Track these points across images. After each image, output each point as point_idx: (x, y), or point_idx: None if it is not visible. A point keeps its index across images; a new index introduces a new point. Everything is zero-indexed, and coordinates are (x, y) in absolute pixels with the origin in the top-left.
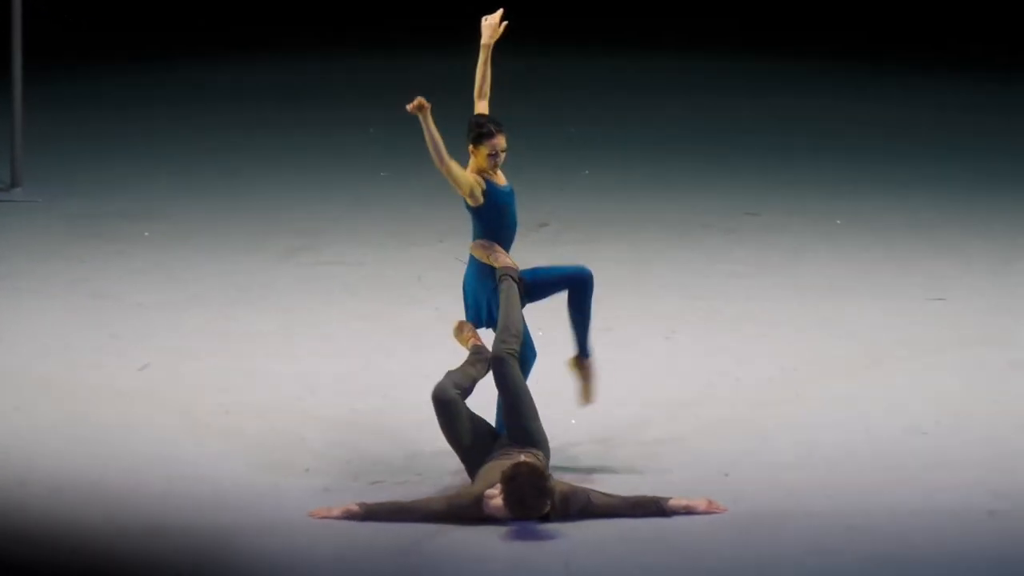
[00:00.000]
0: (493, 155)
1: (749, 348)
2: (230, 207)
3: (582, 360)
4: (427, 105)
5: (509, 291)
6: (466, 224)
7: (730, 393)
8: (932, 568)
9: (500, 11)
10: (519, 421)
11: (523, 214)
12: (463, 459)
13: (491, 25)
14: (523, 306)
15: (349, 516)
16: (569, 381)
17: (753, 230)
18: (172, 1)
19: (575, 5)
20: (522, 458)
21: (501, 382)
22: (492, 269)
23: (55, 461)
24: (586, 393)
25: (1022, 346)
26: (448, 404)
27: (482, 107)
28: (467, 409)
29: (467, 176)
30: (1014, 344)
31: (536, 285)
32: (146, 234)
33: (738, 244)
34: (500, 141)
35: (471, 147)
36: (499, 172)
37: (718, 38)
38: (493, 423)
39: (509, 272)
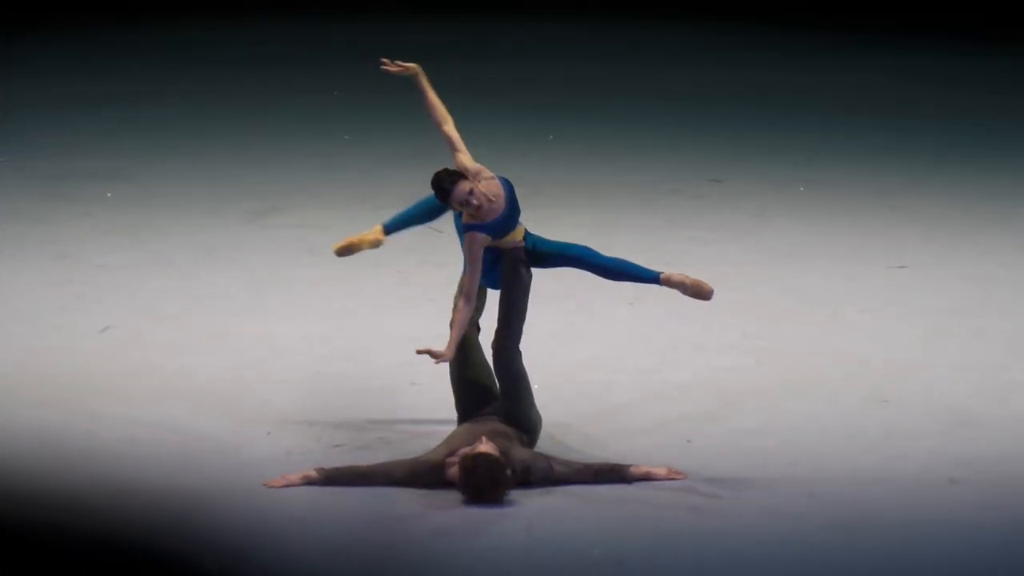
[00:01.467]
0: (464, 204)
1: (712, 314)
2: (195, 169)
3: (664, 282)
4: (413, 67)
5: (516, 281)
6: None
7: (693, 359)
8: (894, 535)
9: (394, 62)
10: (514, 408)
11: None
12: (455, 400)
13: (399, 66)
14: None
15: (308, 482)
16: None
17: (718, 197)
18: None
19: None
20: (484, 445)
21: (502, 372)
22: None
23: (18, 422)
24: (698, 289)
25: (984, 314)
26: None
27: (448, 130)
28: (477, 352)
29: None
30: (976, 312)
31: (539, 256)
32: (109, 195)
33: (703, 210)
34: (462, 189)
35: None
36: (494, 206)
37: (684, 6)
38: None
39: (516, 254)
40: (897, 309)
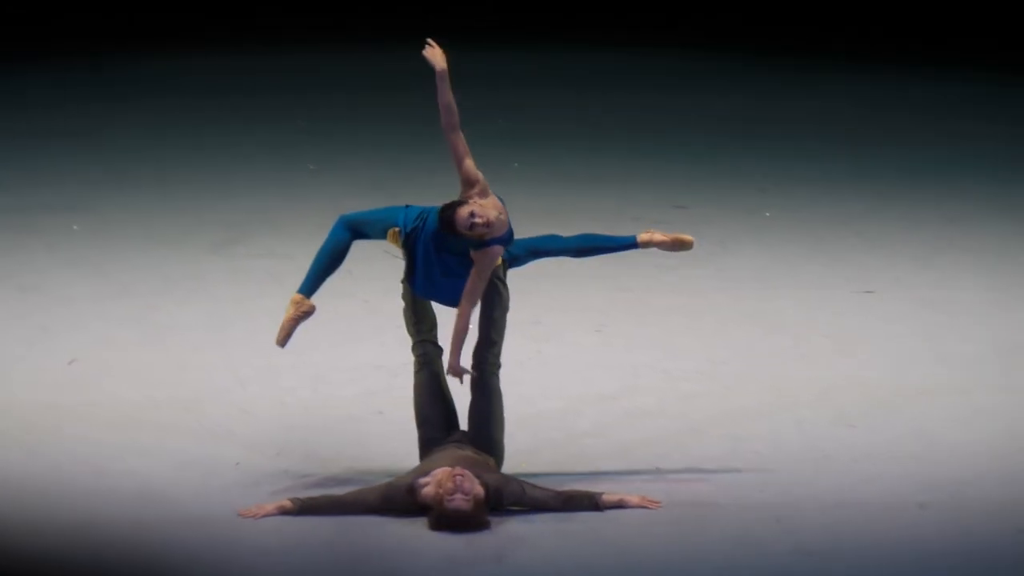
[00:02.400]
0: (468, 228)
1: (678, 340)
2: (158, 200)
3: (643, 244)
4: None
5: (497, 299)
6: None
7: (659, 385)
8: (863, 560)
9: (432, 43)
10: (486, 428)
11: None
12: (418, 426)
13: (437, 52)
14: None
15: (282, 512)
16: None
17: (682, 223)
18: None
19: None
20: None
21: (480, 388)
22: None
23: None
24: (678, 242)
25: (948, 338)
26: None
27: (458, 136)
28: (437, 379)
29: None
30: (941, 337)
31: (512, 260)
32: (75, 227)
33: None
34: (462, 215)
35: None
36: (500, 220)
37: (647, 33)
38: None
39: (496, 272)
40: (863, 334)
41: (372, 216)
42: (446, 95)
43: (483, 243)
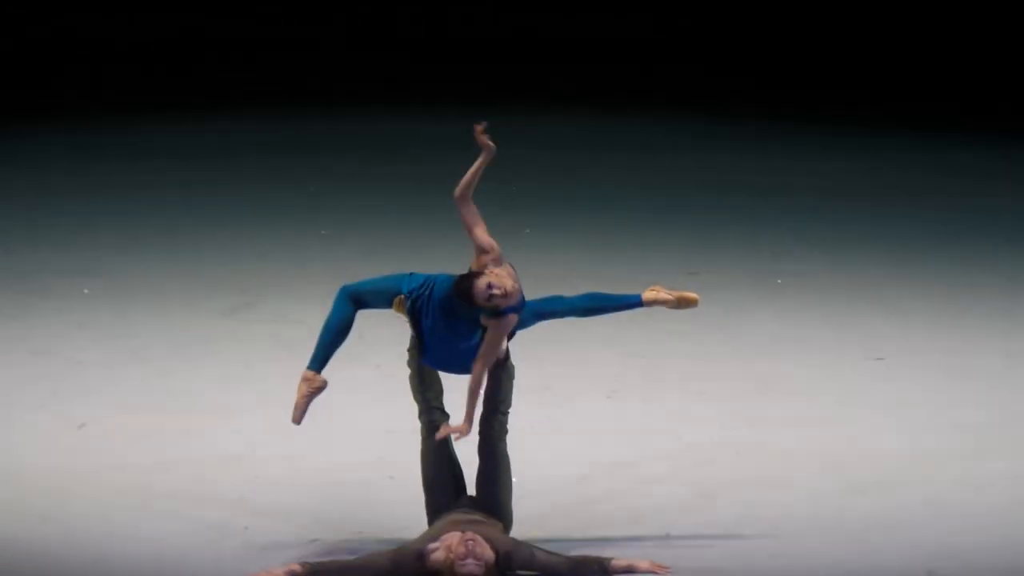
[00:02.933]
0: (487, 300)
1: (690, 406)
2: (169, 264)
3: (648, 303)
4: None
5: (506, 376)
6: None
7: (670, 452)
8: None
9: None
10: (494, 493)
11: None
12: (425, 493)
13: (490, 145)
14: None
15: None
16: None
17: (693, 288)
18: (107, 58)
19: (511, 60)
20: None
21: (487, 453)
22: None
23: None
24: (683, 300)
25: (961, 406)
26: (430, 427)
27: (467, 208)
28: (445, 445)
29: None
30: (953, 403)
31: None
32: (85, 291)
33: None
34: (480, 287)
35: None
36: (515, 288)
37: (659, 96)
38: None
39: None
40: (874, 401)
41: (375, 286)
42: (476, 175)
43: (498, 312)
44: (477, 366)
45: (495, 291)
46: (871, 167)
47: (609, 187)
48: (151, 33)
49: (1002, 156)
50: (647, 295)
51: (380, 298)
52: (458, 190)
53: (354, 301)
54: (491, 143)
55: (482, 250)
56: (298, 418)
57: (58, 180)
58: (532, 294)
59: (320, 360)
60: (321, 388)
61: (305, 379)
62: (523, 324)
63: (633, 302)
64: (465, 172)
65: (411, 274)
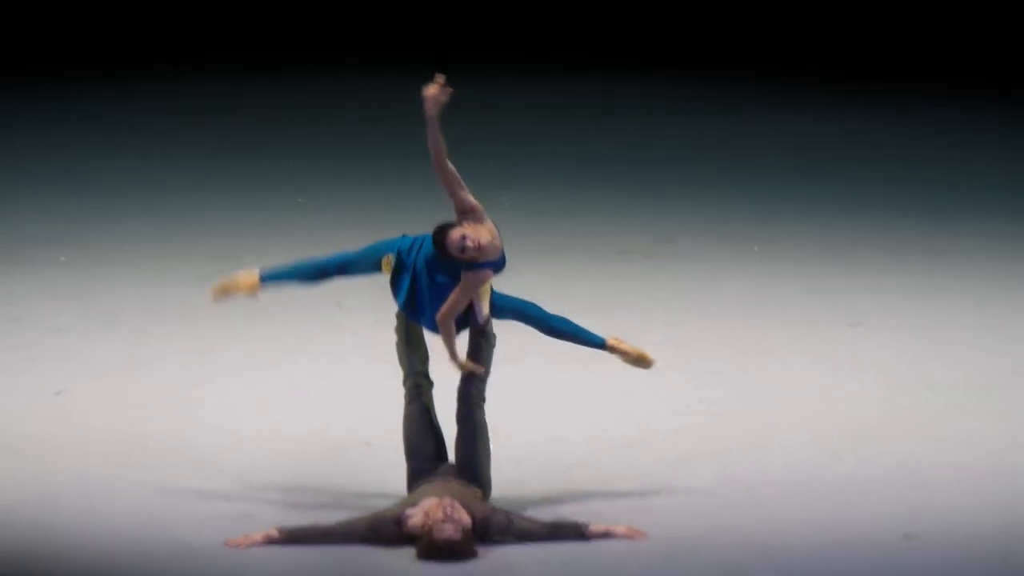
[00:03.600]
0: (460, 251)
1: (667, 374)
2: (145, 231)
3: (610, 349)
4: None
5: (486, 343)
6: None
7: (647, 417)
8: None
9: (440, 79)
10: (472, 460)
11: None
12: (407, 457)
13: (433, 96)
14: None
15: (269, 541)
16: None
17: (670, 256)
18: (86, 22)
19: (498, 29)
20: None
21: (464, 419)
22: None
23: None
24: (640, 359)
25: (937, 371)
26: (414, 391)
27: (446, 172)
28: (427, 411)
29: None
30: (929, 369)
31: (501, 310)
32: (62, 259)
33: (655, 270)
34: (454, 237)
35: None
36: (493, 245)
37: (634, 63)
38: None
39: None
40: (851, 366)
41: (364, 252)
42: (438, 131)
43: (474, 266)
44: (442, 313)
45: (468, 243)
46: (847, 133)
47: (582, 154)
48: None
49: (979, 121)
50: (611, 341)
51: (368, 263)
52: (433, 157)
53: (339, 271)
54: (439, 100)
55: (462, 212)
56: (216, 298)
57: (32, 147)
58: (509, 263)
59: (275, 280)
60: (252, 296)
61: (248, 283)
62: (501, 314)
63: (597, 343)
64: (430, 137)
65: (403, 236)
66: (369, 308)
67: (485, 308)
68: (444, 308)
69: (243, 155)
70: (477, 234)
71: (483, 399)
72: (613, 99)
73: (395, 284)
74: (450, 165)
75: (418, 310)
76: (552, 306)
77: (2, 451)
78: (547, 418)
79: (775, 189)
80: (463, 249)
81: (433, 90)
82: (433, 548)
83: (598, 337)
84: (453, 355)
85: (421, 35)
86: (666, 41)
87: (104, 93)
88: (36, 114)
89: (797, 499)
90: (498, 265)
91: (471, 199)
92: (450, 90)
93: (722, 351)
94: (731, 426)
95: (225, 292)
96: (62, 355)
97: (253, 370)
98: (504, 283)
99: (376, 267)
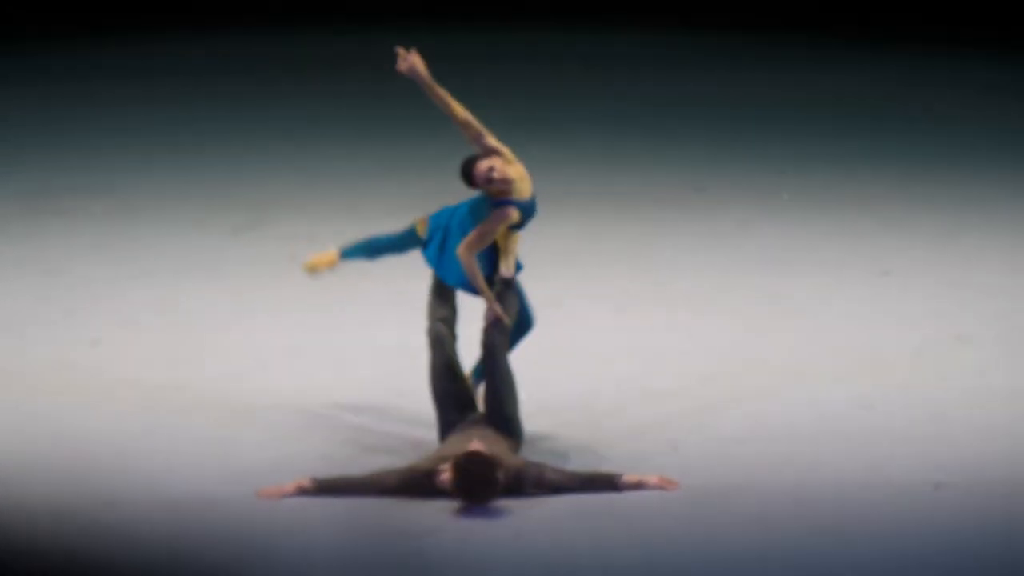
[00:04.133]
0: (486, 182)
1: (697, 322)
2: (180, 182)
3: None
4: (415, 63)
5: (511, 294)
6: (417, 200)
7: (677, 366)
8: (879, 540)
9: (401, 50)
10: (500, 409)
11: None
12: (437, 411)
13: (409, 67)
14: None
15: (301, 492)
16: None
17: (701, 204)
18: None
19: None
20: (476, 445)
21: (491, 370)
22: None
23: (7, 436)
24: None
25: (968, 320)
26: (436, 342)
27: (465, 126)
28: (450, 361)
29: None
30: (960, 318)
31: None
32: (98, 210)
33: (686, 219)
34: (481, 168)
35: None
36: (521, 185)
37: (665, 14)
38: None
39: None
40: (881, 315)
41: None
42: (436, 89)
43: (502, 202)
44: (462, 244)
45: (494, 174)
46: (877, 82)
47: (616, 105)
48: None
49: (1008, 71)
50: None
51: (407, 239)
52: (451, 114)
53: (401, 245)
54: (418, 68)
55: (490, 153)
56: (311, 272)
57: (69, 100)
58: (541, 211)
59: (350, 255)
60: (332, 268)
61: (329, 260)
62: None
63: None
64: (435, 101)
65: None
66: (400, 260)
67: (511, 266)
68: (467, 238)
69: (277, 107)
70: (504, 168)
71: (507, 347)
72: (644, 50)
73: (428, 244)
74: (468, 116)
75: (445, 267)
76: (584, 254)
77: (37, 401)
78: (579, 367)
79: (804, 138)
80: (490, 180)
81: (404, 63)
82: (462, 473)
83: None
84: (483, 289)
85: None
86: None
87: (140, 46)
88: (72, 67)
89: (827, 448)
90: (527, 210)
91: (496, 143)
92: (415, 51)
93: (752, 300)
94: (761, 375)
95: (312, 269)
96: (97, 306)
97: (287, 321)
98: (539, 235)
99: (414, 239)
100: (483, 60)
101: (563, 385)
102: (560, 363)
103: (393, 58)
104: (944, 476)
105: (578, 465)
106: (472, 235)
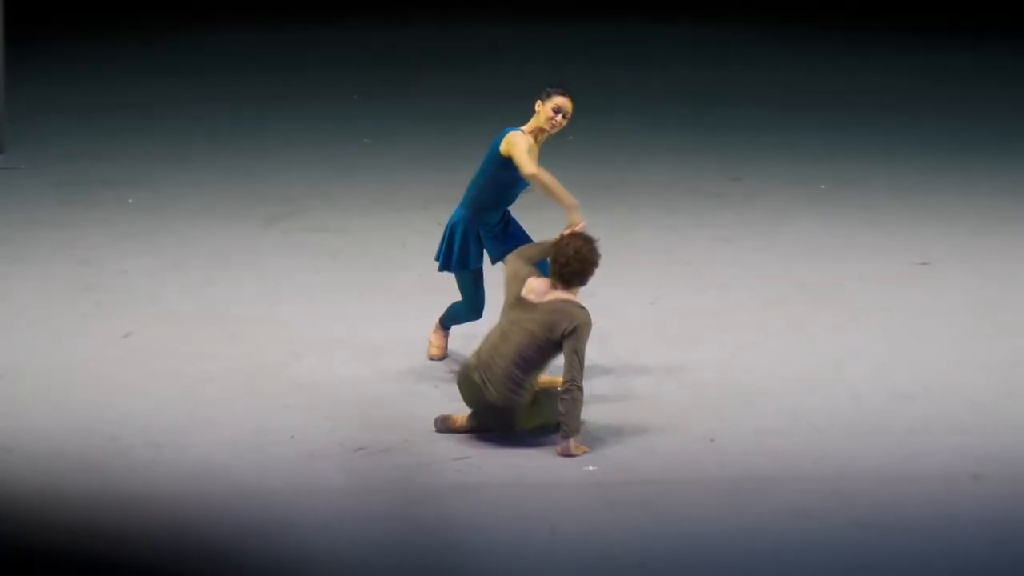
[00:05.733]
0: (555, 112)
1: (734, 313)
2: (213, 174)
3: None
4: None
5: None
6: (450, 190)
7: (715, 358)
8: (918, 532)
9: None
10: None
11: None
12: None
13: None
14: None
15: None
16: None
17: (738, 195)
18: None
19: None
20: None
21: None
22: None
23: (41, 429)
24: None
25: (1006, 311)
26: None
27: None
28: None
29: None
30: (998, 309)
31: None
32: (130, 200)
33: (723, 209)
34: (566, 104)
35: (539, 102)
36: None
37: (705, 6)
38: None
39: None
40: (920, 306)
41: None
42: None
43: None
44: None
45: (559, 116)
46: (915, 72)
47: (653, 96)
48: None
49: None
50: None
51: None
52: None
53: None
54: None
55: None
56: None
57: (104, 92)
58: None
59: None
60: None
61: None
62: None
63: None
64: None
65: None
66: (433, 252)
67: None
68: (524, 168)
69: (309, 98)
70: (565, 106)
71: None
72: (682, 41)
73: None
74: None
75: (473, 255)
76: (620, 244)
77: (70, 393)
78: (615, 358)
79: (842, 128)
80: (556, 114)
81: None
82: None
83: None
84: (563, 197)
85: None
86: None
87: (172, 37)
88: (105, 60)
89: (866, 438)
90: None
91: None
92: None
93: (789, 290)
94: (799, 366)
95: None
96: (130, 298)
97: (319, 313)
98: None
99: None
100: (517, 53)
101: (599, 376)
102: (595, 353)
103: (426, 49)
104: (983, 467)
105: (616, 456)
106: (517, 160)
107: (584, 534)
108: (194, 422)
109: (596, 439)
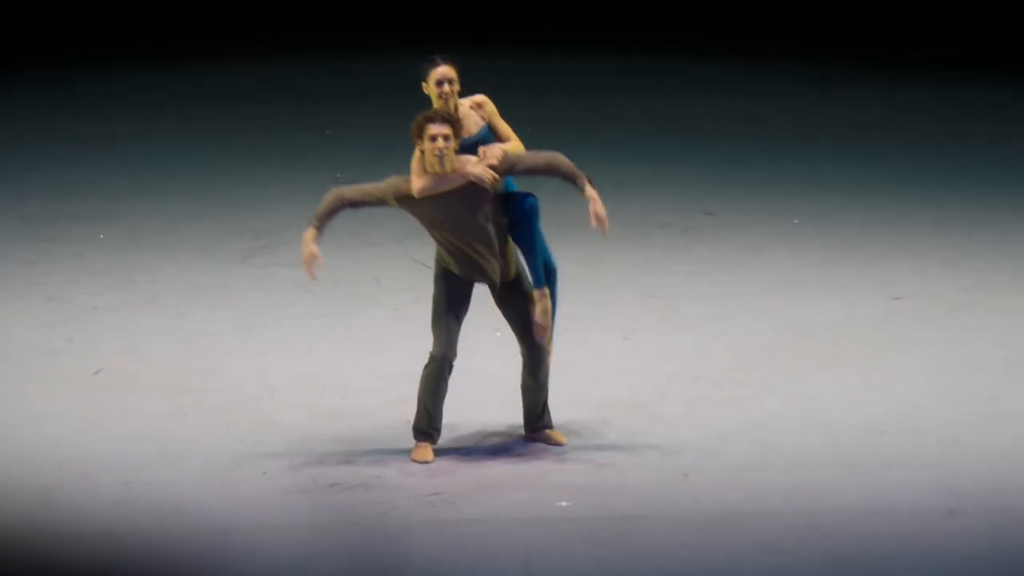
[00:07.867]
0: (439, 83)
1: (707, 347)
2: (185, 209)
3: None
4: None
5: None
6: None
7: (688, 393)
8: (892, 568)
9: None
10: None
11: None
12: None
13: (481, 174)
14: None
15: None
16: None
17: (710, 229)
18: (127, 5)
19: (529, 4)
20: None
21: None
22: None
23: (9, 465)
24: (541, 329)
25: (979, 344)
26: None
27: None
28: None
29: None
30: (971, 342)
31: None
32: (101, 236)
33: (696, 243)
34: (446, 71)
35: (423, 84)
36: (468, 121)
37: (673, 38)
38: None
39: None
40: (893, 340)
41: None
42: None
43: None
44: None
45: (444, 86)
46: (887, 107)
47: (625, 128)
48: None
49: (1017, 95)
50: (537, 293)
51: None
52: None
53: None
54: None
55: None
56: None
57: (73, 127)
58: (547, 231)
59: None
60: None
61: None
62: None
63: (537, 280)
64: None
65: None
66: (406, 287)
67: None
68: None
69: (281, 133)
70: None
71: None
72: (654, 73)
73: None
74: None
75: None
76: (592, 277)
77: (40, 429)
78: (588, 393)
79: (815, 162)
80: (440, 84)
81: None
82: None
83: (540, 279)
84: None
85: (454, 9)
86: (706, 21)
87: (143, 72)
88: (77, 95)
89: (839, 473)
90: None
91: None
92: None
93: (762, 325)
94: (773, 401)
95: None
96: (101, 334)
97: (292, 348)
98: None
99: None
100: (489, 85)
101: (570, 412)
102: (568, 389)
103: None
104: (958, 502)
105: (588, 489)
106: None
107: (558, 570)
108: (165, 458)
109: (568, 473)
